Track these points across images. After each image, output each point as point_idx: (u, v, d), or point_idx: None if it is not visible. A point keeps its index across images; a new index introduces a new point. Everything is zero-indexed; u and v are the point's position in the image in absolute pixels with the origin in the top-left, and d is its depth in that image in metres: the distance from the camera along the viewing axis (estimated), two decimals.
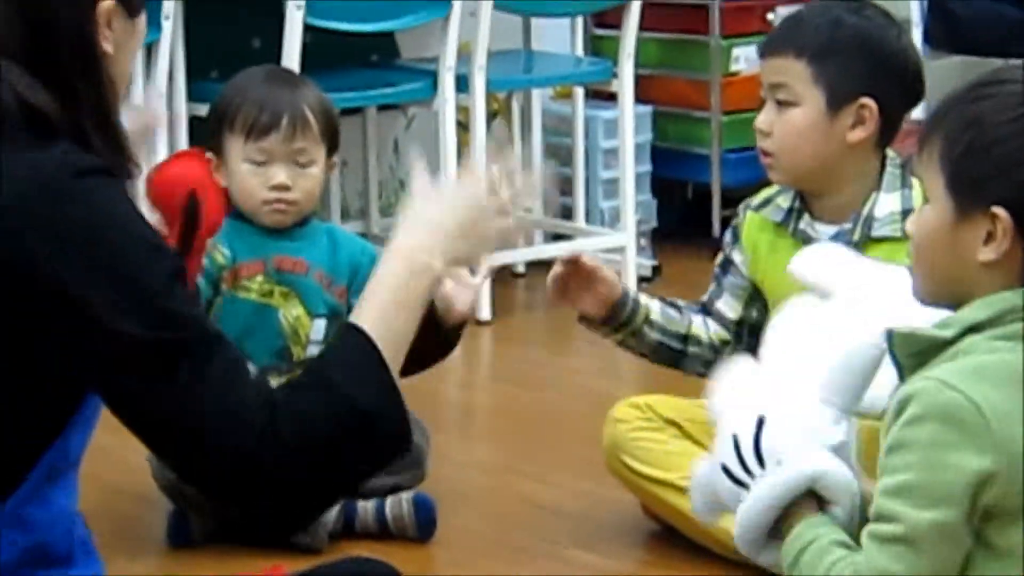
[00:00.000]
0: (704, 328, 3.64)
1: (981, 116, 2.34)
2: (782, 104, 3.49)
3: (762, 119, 3.52)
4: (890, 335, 2.41)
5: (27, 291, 2.25)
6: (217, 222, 3.48)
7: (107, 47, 2.37)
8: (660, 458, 3.52)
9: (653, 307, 3.61)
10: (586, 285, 3.51)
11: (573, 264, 3.50)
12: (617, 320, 3.56)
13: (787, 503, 2.45)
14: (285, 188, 3.70)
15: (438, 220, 2.51)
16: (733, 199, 5.40)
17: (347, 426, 2.34)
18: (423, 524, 3.65)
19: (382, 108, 5.76)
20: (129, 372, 2.28)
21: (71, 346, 2.27)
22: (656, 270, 5.67)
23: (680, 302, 3.71)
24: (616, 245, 5.59)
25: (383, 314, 2.44)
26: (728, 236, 3.74)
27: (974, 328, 2.33)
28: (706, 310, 3.69)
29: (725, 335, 3.64)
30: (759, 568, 3.35)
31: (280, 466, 2.29)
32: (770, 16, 5.86)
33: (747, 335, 3.64)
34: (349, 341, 2.41)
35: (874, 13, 3.57)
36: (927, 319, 2.46)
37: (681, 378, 4.33)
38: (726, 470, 2.48)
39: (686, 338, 3.61)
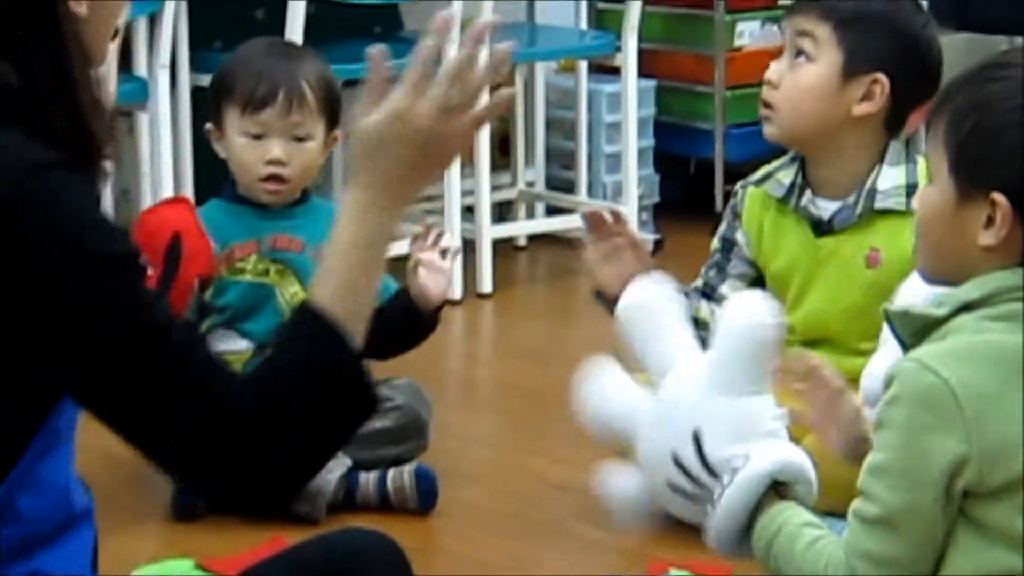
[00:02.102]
0: (711, 313, 3.60)
1: (987, 100, 2.34)
2: (799, 56, 3.48)
3: (773, 69, 3.53)
4: (887, 314, 2.41)
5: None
6: (208, 260, 3.59)
7: (77, 8, 2.26)
8: None
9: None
10: (618, 255, 3.49)
11: (620, 225, 3.52)
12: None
13: (754, 503, 2.46)
14: (280, 163, 3.71)
15: (393, 168, 2.35)
16: (736, 174, 5.37)
17: (310, 399, 2.29)
18: (424, 496, 3.63)
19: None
20: (96, 366, 2.27)
21: (36, 341, 2.24)
22: (658, 244, 5.65)
23: (688, 289, 3.66)
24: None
25: (344, 288, 2.37)
26: (728, 216, 3.72)
27: (967, 307, 2.33)
28: (708, 295, 3.68)
29: None
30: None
31: (257, 421, 2.26)
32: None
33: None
34: (307, 322, 2.35)
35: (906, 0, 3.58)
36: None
37: None
38: (673, 487, 2.50)
39: (696, 323, 3.60)
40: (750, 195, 3.64)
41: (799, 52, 3.49)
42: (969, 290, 2.34)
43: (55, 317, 2.20)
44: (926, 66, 3.52)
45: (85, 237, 2.19)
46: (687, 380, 2.54)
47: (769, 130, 3.55)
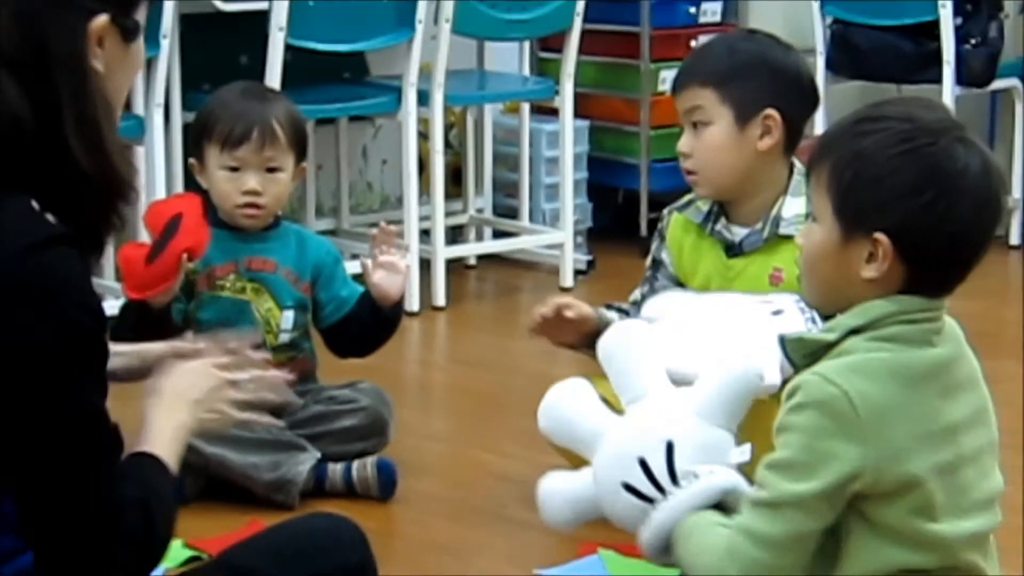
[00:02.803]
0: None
1: (865, 151, 2.35)
2: (698, 126, 3.49)
3: (683, 143, 3.53)
4: (783, 340, 2.44)
5: None
6: (200, 241, 3.54)
7: (97, 65, 2.24)
8: None
9: (614, 319, 3.55)
10: (567, 326, 3.51)
11: (556, 315, 3.50)
12: (592, 343, 3.54)
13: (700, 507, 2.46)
14: (256, 193, 3.71)
15: (185, 391, 2.57)
16: (658, 203, 5.44)
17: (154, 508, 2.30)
18: (385, 486, 3.66)
19: (353, 119, 5.78)
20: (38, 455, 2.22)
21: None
22: (591, 264, 5.69)
23: (625, 305, 3.68)
24: (556, 242, 5.62)
25: (161, 446, 2.43)
26: (656, 239, 3.73)
27: (855, 331, 2.36)
28: (639, 309, 3.64)
29: None
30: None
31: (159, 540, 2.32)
32: (693, 43, 5.85)
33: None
34: (154, 469, 2.41)
35: (763, 37, 3.62)
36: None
37: None
38: (630, 488, 2.52)
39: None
40: (674, 220, 3.66)
41: (695, 123, 3.51)
42: (855, 317, 2.36)
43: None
44: (802, 87, 3.55)
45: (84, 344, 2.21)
46: (668, 400, 2.57)
47: (699, 191, 3.57)
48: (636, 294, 3.69)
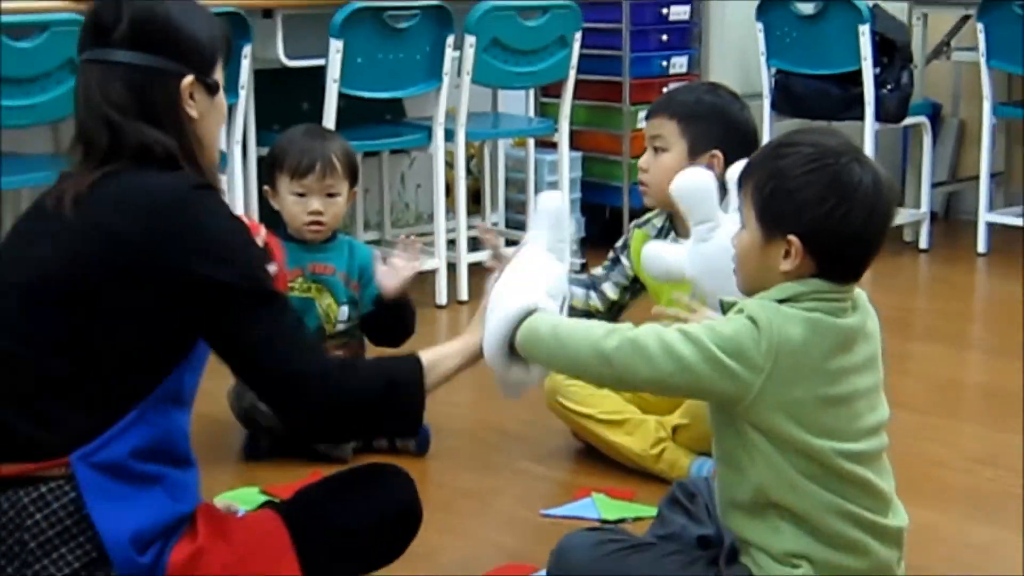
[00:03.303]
0: (583, 299, 3.68)
1: (780, 170, 2.36)
2: (657, 150, 3.51)
3: (643, 160, 3.55)
4: (722, 303, 2.46)
5: (157, 269, 2.31)
6: (280, 257, 3.54)
7: (192, 112, 2.43)
8: (583, 399, 3.53)
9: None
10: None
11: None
12: None
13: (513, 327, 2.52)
14: (319, 213, 3.70)
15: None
16: (637, 217, 5.40)
17: (383, 397, 2.42)
18: (421, 444, 3.65)
19: (393, 152, 5.76)
20: (234, 318, 2.35)
21: (188, 300, 2.32)
22: (583, 266, 5.65)
23: (585, 277, 3.78)
24: None
25: (438, 358, 2.55)
26: (619, 244, 3.75)
27: (781, 301, 2.37)
28: (594, 286, 3.70)
29: (599, 307, 3.67)
30: (651, 474, 3.41)
31: (336, 406, 2.38)
32: (664, 89, 5.77)
33: (616, 312, 3.68)
34: (405, 356, 2.52)
35: (726, 92, 3.58)
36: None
37: None
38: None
39: (572, 309, 3.60)
40: (635, 233, 3.67)
41: (656, 148, 3.50)
42: (776, 293, 2.37)
43: (207, 294, 2.33)
44: (746, 137, 3.51)
45: (239, 239, 2.39)
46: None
47: (646, 200, 3.61)
48: (597, 271, 3.76)
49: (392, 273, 3.60)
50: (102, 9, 2.43)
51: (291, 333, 2.37)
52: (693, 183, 2.78)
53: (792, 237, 2.32)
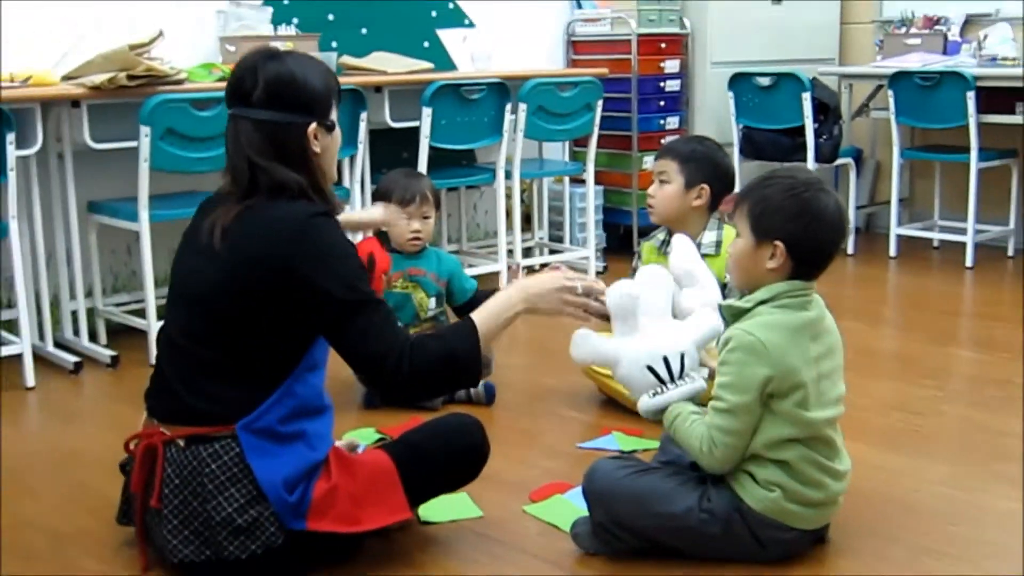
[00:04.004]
0: None
1: (767, 196, 2.38)
2: (662, 183, 3.49)
3: (651, 190, 3.53)
4: (720, 307, 2.44)
5: (284, 281, 2.30)
6: (386, 268, 3.60)
7: (316, 149, 2.41)
8: None
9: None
10: None
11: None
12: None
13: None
14: (418, 232, 3.73)
15: (534, 287, 2.53)
16: (643, 232, 5.37)
17: (446, 364, 2.37)
18: (489, 396, 3.63)
19: (468, 187, 5.73)
20: (336, 317, 2.33)
21: (308, 307, 2.32)
22: (605, 268, 5.66)
23: None
24: (585, 256, 5.54)
25: (488, 320, 2.45)
26: (636, 256, 3.72)
27: (762, 302, 2.37)
28: None
29: None
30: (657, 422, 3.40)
31: (408, 377, 2.33)
32: (662, 141, 5.79)
33: None
34: (464, 324, 2.44)
35: (711, 142, 3.55)
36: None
37: None
38: (652, 370, 2.48)
39: None
40: (644, 246, 3.65)
41: (661, 180, 3.48)
42: (762, 294, 2.37)
43: (317, 300, 2.31)
44: (727, 175, 3.50)
45: (342, 256, 2.34)
46: (678, 327, 2.52)
47: (653, 219, 3.57)
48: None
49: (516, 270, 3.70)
50: (243, 75, 2.39)
51: (378, 327, 2.33)
52: (618, 300, 2.59)
53: (778, 242, 2.33)
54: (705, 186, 3.44)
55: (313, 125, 2.39)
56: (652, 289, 2.58)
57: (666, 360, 2.47)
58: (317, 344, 2.40)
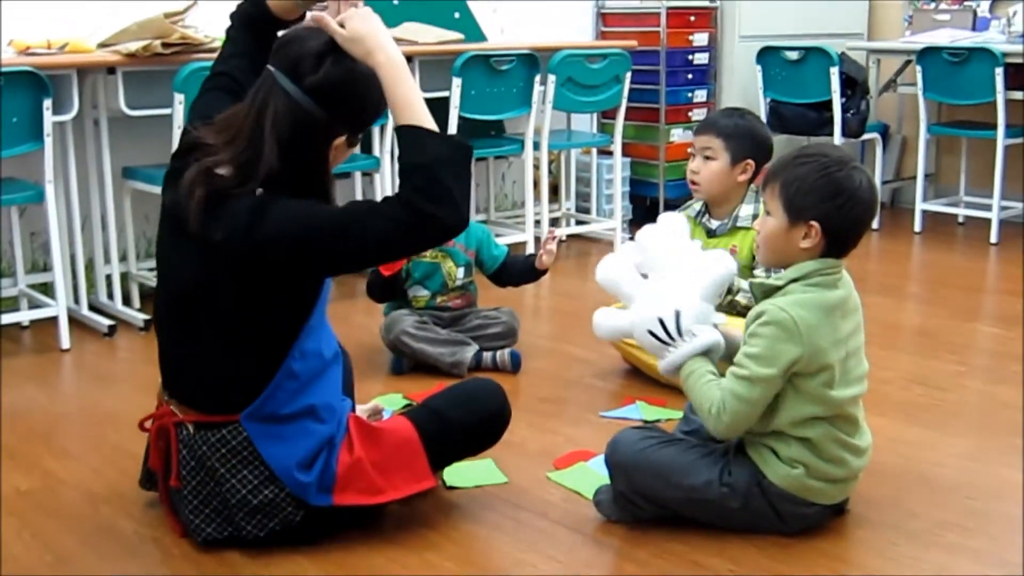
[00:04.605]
0: None
1: (801, 175, 2.34)
2: (707, 159, 3.46)
3: (695, 166, 3.50)
4: (751, 285, 2.42)
5: (254, 261, 2.18)
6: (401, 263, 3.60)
7: (331, 160, 2.27)
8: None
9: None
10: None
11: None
12: None
13: (693, 355, 2.43)
14: None
15: (366, 39, 2.23)
16: (669, 205, 5.38)
17: (441, 168, 2.12)
18: (514, 365, 3.63)
19: (497, 158, 5.72)
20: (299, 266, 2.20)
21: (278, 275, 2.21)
22: (631, 239, 5.62)
23: None
24: (611, 227, 5.54)
25: (402, 105, 2.19)
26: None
27: (794, 280, 2.35)
28: None
29: None
30: (678, 389, 3.40)
31: (423, 220, 2.12)
32: (690, 114, 5.80)
33: None
34: (404, 137, 2.18)
35: (753, 117, 3.54)
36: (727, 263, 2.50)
37: None
38: (652, 334, 2.46)
39: None
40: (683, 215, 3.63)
41: (706, 157, 3.46)
42: (794, 271, 2.35)
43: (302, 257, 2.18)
44: (768, 149, 3.49)
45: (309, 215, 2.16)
46: (684, 283, 2.48)
47: (698, 195, 3.54)
48: None
49: (547, 255, 3.66)
50: (307, 54, 2.20)
51: (362, 221, 2.16)
52: (606, 277, 2.60)
53: (814, 223, 2.31)
54: (751, 161, 3.44)
55: (342, 138, 2.24)
56: (651, 248, 2.56)
57: (661, 321, 2.44)
58: (317, 308, 2.32)
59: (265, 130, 2.17)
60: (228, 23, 2.54)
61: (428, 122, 2.18)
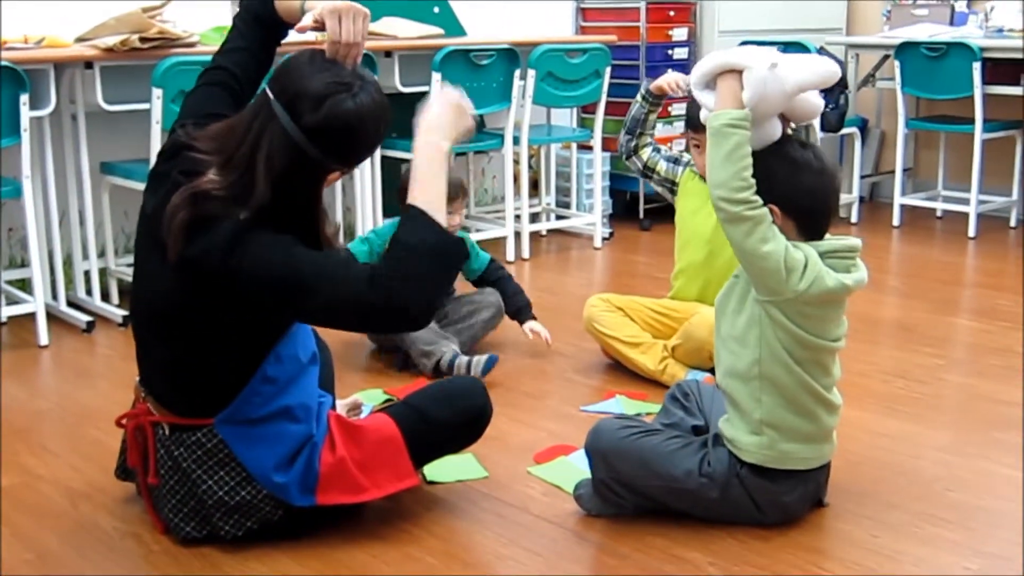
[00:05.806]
0: (652, 156, 3.69)
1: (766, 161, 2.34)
2: (699, 148, 3.42)
3: (693, 155, 3.52)
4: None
5: (224, 284, 2.16)
6: None
7: (319, 187, 2.23)
8: (612, 325, 3.51)
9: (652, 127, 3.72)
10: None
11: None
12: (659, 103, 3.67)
13: (730, 66, 2.32)
14: (455, 226, 3.59)
15: (437, 120, 2.28)
16: (649, 199, 5.38)
17: (425, 256, 2.14)
18: (485, 370, 3.44)
19: (476, 152, 5.71)
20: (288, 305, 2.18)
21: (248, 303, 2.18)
22: (611, 234, 5.65)
23: (655, 144, 3.73)
24: (591, 222, 5.53)
25: (423, 188, 2.20)
26: (684, 159, 3.66)
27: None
28: (658, 150, 3.70)
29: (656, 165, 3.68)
30: (658, 383, 3.40)
31: (387, 301, 2.11)
32: (671, 108, 5.80)
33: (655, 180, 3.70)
34: (408, 215, 2.20)
35: None
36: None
37: (626, 286, 4.32)
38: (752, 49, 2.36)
39: (648, 146, 3.71)
40: (687, 172, 3.62)
41: (697, 146, 3.42)
42: (824, 246, 2.36)
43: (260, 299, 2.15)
44: None
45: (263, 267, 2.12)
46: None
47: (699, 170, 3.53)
48: (665, 149, 3.72)
49: (535, 335, 3.69)
50: (308, 91, 2.14)
51: (338, 286, 2.14)
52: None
53: (773, 206, 2.31)
54: None
55: (336, 173, 2.21)
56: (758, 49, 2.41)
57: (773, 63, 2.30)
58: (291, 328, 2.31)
59: (259, 163, 2.14)
60: (237, 10, 2.53)
61: (437, 215, 2.17)
